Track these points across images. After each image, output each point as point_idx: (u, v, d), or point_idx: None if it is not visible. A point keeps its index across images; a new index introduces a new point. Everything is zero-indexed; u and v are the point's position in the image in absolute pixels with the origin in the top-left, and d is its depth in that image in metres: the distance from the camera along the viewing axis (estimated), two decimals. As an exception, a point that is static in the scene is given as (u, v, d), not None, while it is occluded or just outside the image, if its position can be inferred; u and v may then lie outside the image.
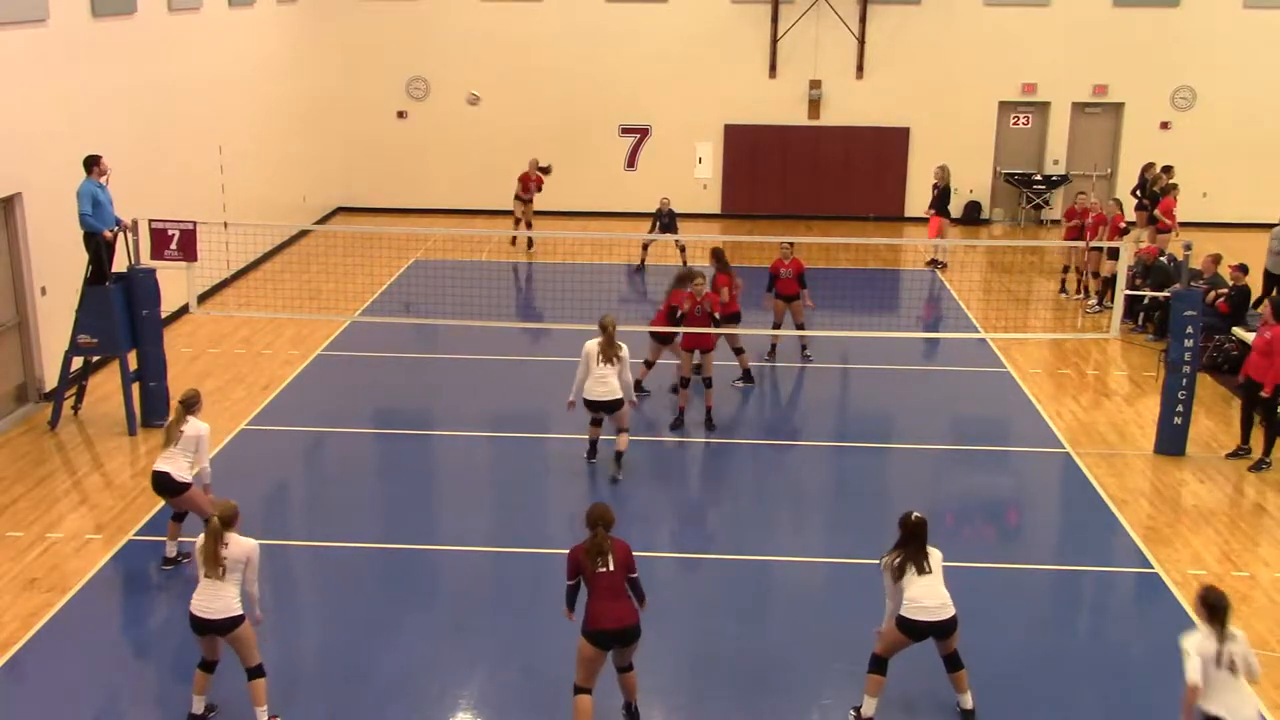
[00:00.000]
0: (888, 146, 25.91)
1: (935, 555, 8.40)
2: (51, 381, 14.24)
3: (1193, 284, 13.68)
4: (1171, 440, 13.32)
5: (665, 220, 20.72)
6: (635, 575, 8.11)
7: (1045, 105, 25.96)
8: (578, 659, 8.01)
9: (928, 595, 8.21)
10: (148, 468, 12.63)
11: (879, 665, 8.41)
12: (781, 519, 11.94)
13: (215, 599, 8.02)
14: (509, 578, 10.60)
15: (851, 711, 8.51)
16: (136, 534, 11.15)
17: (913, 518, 8.46)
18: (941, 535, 11.47)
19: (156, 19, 17.37)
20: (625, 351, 12.31)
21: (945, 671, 8.47)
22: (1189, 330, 12.96)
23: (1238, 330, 15.98)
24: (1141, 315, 18.14)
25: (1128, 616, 10.36)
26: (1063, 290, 20.42)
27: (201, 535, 8.14)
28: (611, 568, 7.95)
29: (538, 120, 25.73)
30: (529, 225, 22.50)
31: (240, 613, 8.10)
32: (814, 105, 25.88)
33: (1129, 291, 15.32)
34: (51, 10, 14.41)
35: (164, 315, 14.04)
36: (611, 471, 12.43)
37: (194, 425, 10.18)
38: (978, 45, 25.36)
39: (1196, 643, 7.35)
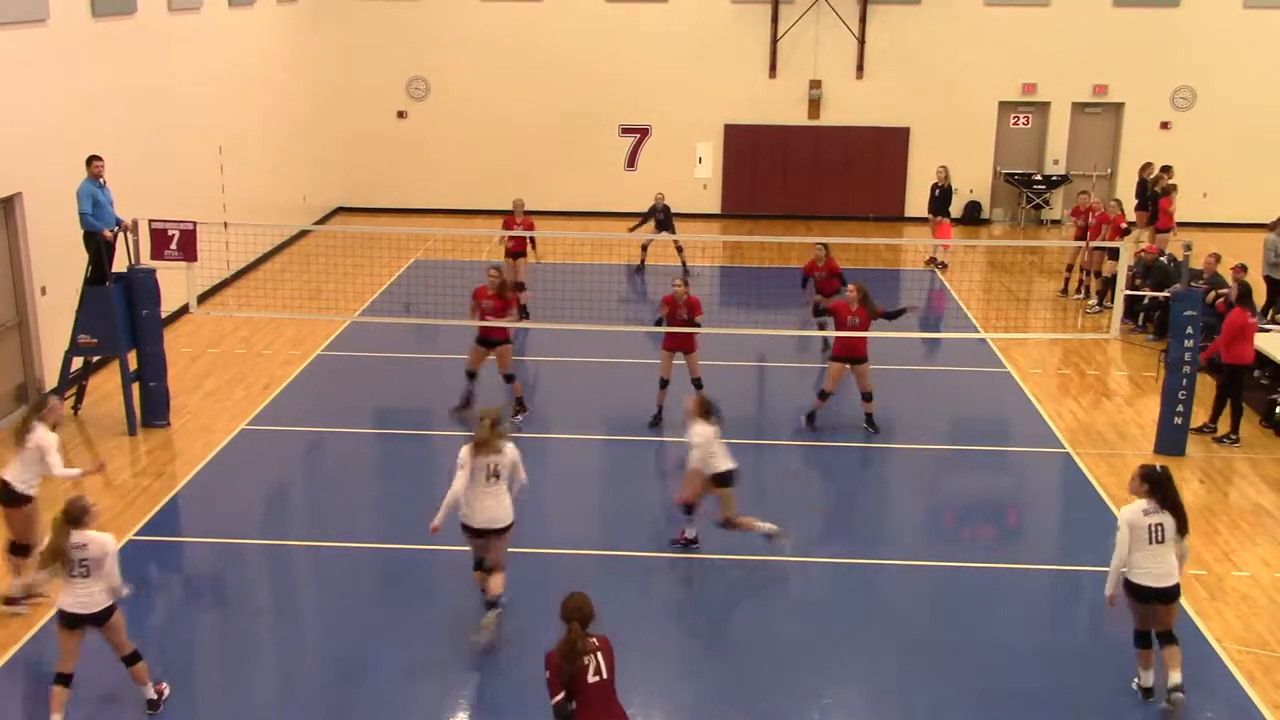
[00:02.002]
0: (888, 146, 25.90)
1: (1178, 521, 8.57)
2: (51, 381, 14.24)
3: (1193, 284, 13.68)
4: (1171, 440, 13.32)
5: (661, 216, 20.64)
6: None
7: (1045, 105, 25.96)
8: None
9: (1156, 562, 8.45)
10: (148, 468, 12.71)
11: (1141, 640, 8.76)
12: (781, 519, 11.92)
13: (86, 595, 8.07)
14: (509, 578, 10.58)
15: (1135, 685, 8.83)
16: (136, 534, 11.14)
17: (1158, 469, 8.62)
18: (942, 535, 11.55)
19: (156, 19, 17.37)
20: (510, 453, 9.13)
21: (1159, 647, 8.67)
22: (1189, 330, 12.96)
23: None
24: (1141, 315, 18.14)
25: (1128, 616, 10.33)
26: (1064, 290, 20.44)
27: (48, 537, 8.12)
28: (605, 675, 6.77)
29: (538, 120, 25.74)
30: (521, 288, 17.69)
31: (111, 603, 8.17)
32: (814, 105, 25.88)
33: (1129, 291, 15.32)
34: (51, 10, 14.41)
35: (164, 315, 14.03)
36: (483, 635, 9.21)
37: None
38: (978, 45, 25.35)
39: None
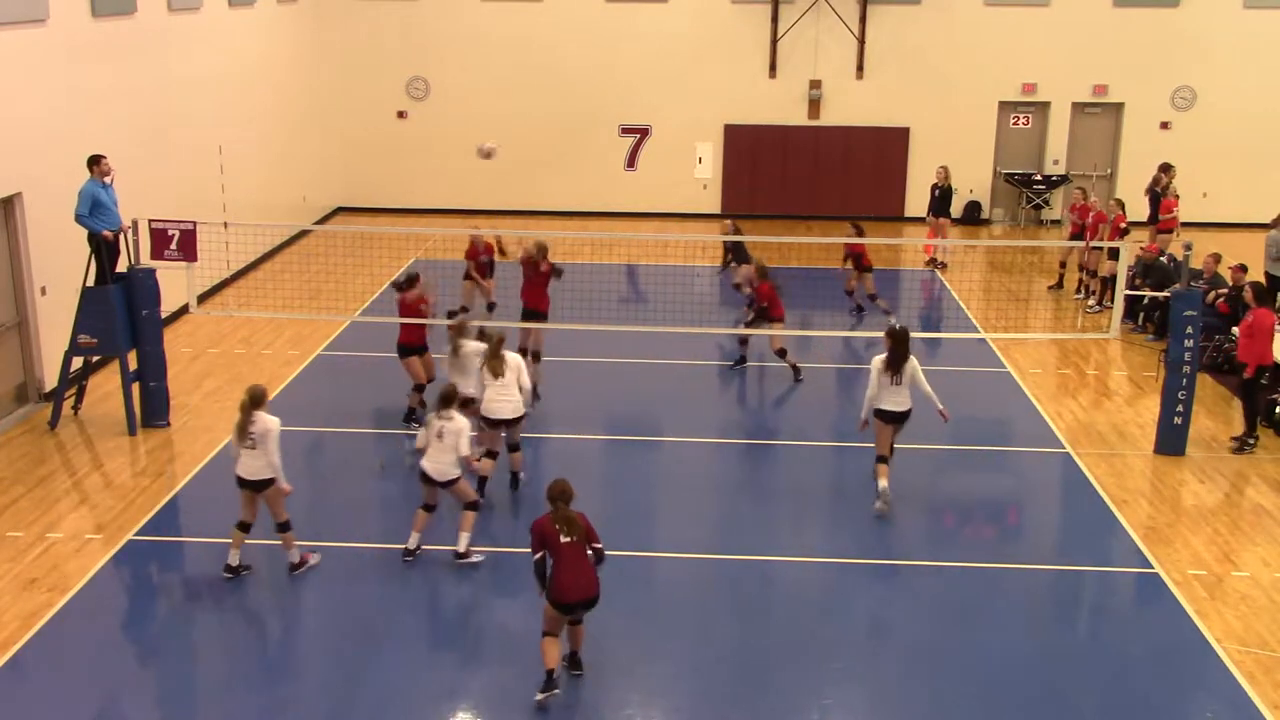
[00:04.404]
0: (888, 146, 25.90)
1: (910, 365, 11.53)
2: (51, 381, 14.24)
3: (1193, 284, 13.68)
4: (1171, 440, 13.32)
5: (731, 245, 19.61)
6: (599, 545, 8.65)
7: (1045, 105, 25.96)
8: (544, 616, 8.63)
9: (895, 395, 11.56)
10: (148, 468, 12.72)
11: (881, 460, 11.81)
12: (781, 519, 11.94)
13: (249, 464, 10.06)
14: (508, 577, 10.60)
15: (878, 502, 11.66)
16: (136, 534, 11.15)
17: (897, 327, 11.67)
18: (942, 535, 11.56)
19: (156, 19, 17.37)
20: (513, 360, 11.73)
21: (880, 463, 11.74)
22: (1189, 330, 12.96)
23: (1238, 330, 15.97)
24: (1141, 315, 18.14)
25: (1128, 616, 10.36)
26: (1058, 285, 20.49)
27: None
28: (575, 538, 8.47)
29: (538, 120, 25.73)
30: (490, 306, 17.73)
31: (271, 476, 10.05)
32: (814, 105, 25.88)
33: (1129, 291, 15.32)
34: (51, 10, 14.41)
35: (164, 315, 14.03)
36: (518, 483, 12.18)
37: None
38: (978, 45, 25.35)
39: None
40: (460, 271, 17.89)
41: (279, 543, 10.49)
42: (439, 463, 10.43)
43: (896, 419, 11.74)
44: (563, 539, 8.47)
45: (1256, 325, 13.32)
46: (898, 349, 11.53)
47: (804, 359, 16.40)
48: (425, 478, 10.52)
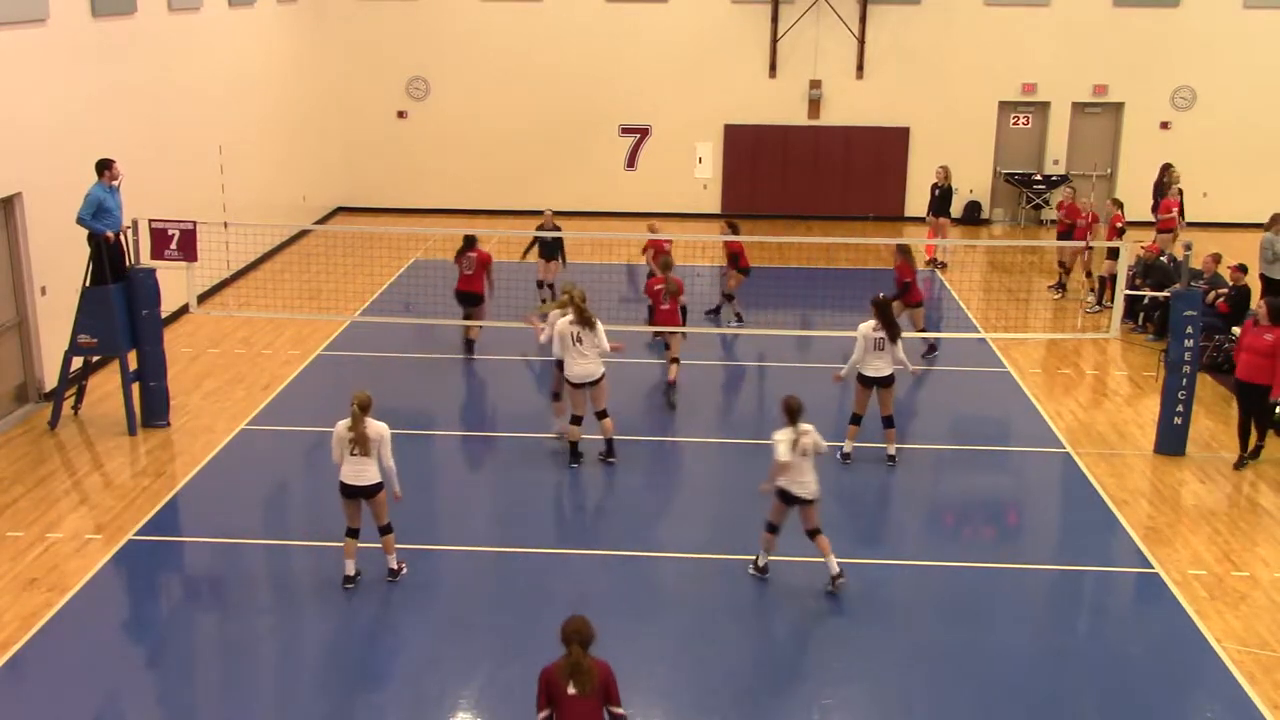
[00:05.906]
0: (888, 146, 25.90)
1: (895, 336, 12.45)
2: (51, 381, 14.24)
3: (1193, 284, 13.68)
4: (1171, 440, 13.32)
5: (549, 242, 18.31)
6: (620, 711, 6.97)
7: (1045, 105, 25.96)
8: None
9: (878, 362, 12.47)
10: (148, 468, 12.72)
11: (855, 419, 12.80)
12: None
13: (361, 471, 9.86)
14: (509, 578, 10.60)
15: (840, 453, 12.78)
16: (136, 534, 11.14)
17: (880, 297, 12.63)
18: (942, 535, 11.55)
19: (156, 19, 17.37)
20: (598, 326, 12.46)
21: (883, 427, 12.83)
22: (1189, 330, 12.96)
23: (1238, 330, 15.97)
24: (1141, 315, 18.14)
25: (1128, 616, 10.36)
26: (1058, 286, 20.49)
27: (347, 420, 9.86)
28: (585, 693, 6.86)
29: (538, 120, 25.74)
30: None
31: (379, 480, 9.89)
32: (814, 105, 25.88)
33: (1129, 291, 15.31)
34: (51, 10, 14.41)
35: (164, 315, 14.03)
36: (607, 456, 12.78)
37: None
38: (978, 45, 25.35)
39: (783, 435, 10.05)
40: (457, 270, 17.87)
41: (276, 542, 10.49)
42: (807, 477, 10.01)
43: (877, 383, 12.58)
44: (569, 691, 6.83)
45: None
46: (886, 317, 12.44)
47: (805, 358, 16.41)
48: (789, 497, 10.04)
